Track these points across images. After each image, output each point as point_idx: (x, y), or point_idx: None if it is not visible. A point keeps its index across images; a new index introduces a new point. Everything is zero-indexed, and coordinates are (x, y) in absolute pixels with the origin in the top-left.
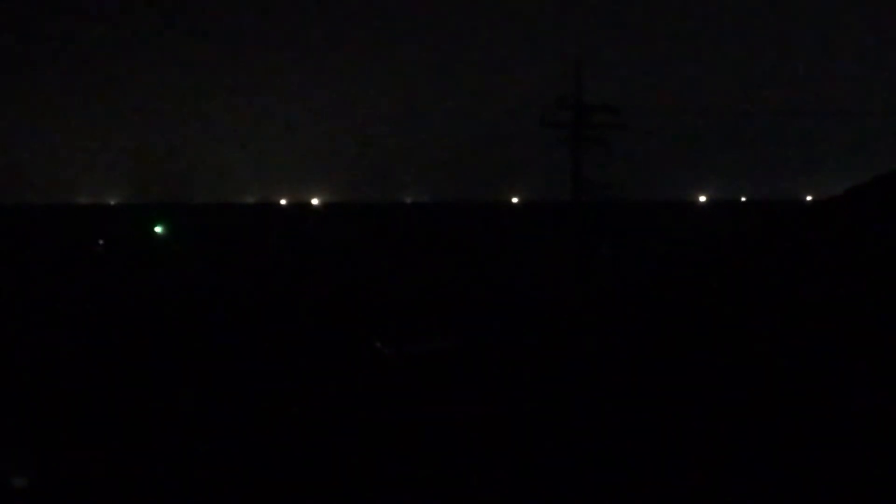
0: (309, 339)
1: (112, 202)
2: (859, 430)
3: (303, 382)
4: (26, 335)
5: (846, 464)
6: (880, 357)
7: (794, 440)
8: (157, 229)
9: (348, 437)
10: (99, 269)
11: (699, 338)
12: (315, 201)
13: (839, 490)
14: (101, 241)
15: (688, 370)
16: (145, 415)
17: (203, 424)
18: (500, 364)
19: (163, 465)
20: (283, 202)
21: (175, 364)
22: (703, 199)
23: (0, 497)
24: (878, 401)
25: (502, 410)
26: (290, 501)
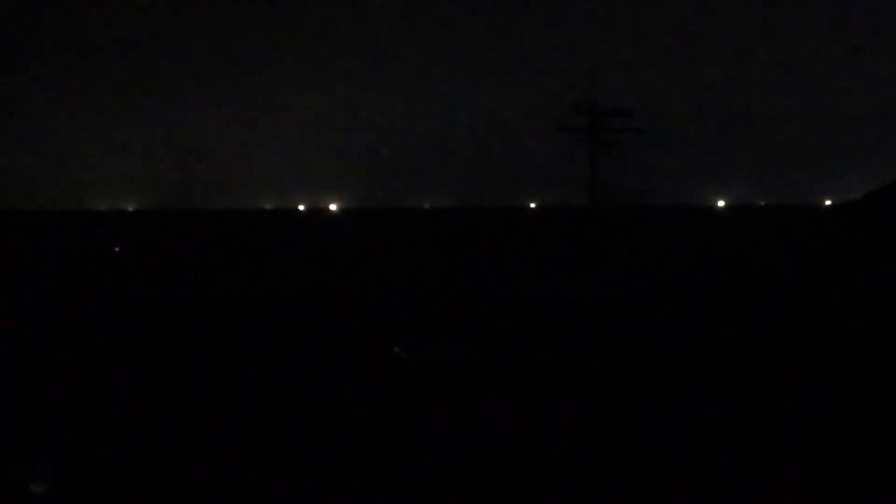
0: (327, 344)
1: (130, 208)
2: (875, 430)
3: (320, 387)
4: (42, 340)
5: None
6: None
7: (810, 442)
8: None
9: (366, 441)
10: (115, 275)
11: (718, 341)
12: (333, 206)
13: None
14: (116, 249)
15: (707, 374)
16: (162, 420)
17: (220, 429)
18: (520, 370)
19: (181, 471)
20: (301, 207)
21: (194, 369)
22: (721, 203)
23: (19, 503)
24: (890, 404)
25: (522, 417)
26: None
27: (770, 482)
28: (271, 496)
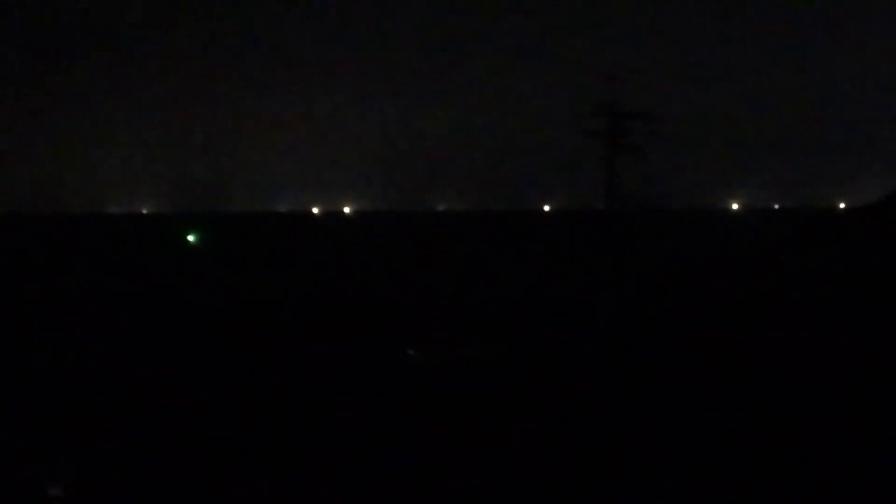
0: (343, 345)
1: (145, 211)
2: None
3: (336, 387)
4: (59, 344)
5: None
6: None
7: (824, 442)
8: (190, 238)
9: (379, 441)
10: (133, 277)
11: (735, 342)
12: (347, 209)
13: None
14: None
15: (725, 375)
16: (177, 423)
17: (235, 431)
18: (532, 371)
19: (195, 472)
20: (315, 210)
21: (209, 370)
22: (736, 206)
23: None
24: None
25: (532, 416)
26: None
27: (777, 483)
28: (285, 496)
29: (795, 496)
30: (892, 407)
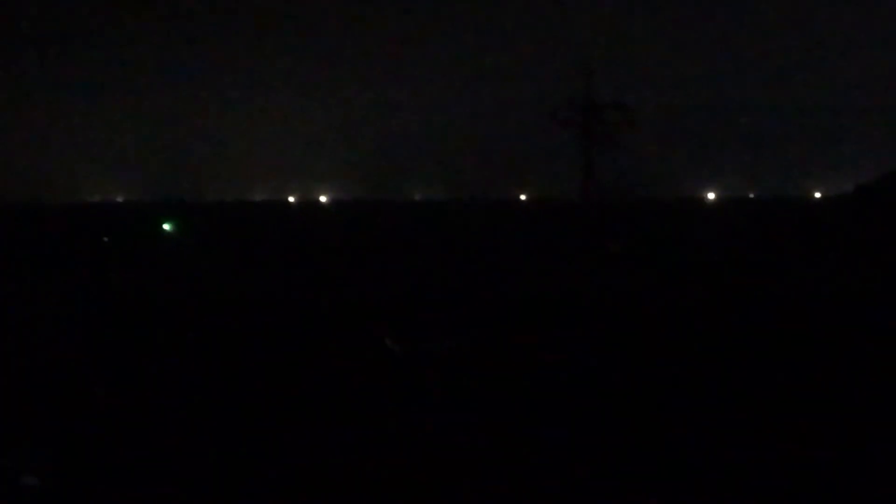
0: (318, 336)
1: (120, 199)
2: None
3: (311, 380)
4: (33, 334)
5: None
6: (889, 353)
7: (804, 442)
8: (166, 226)
9: (356, 436)
10: (105, 267)
11: (709, 336)
12: (324, 198)
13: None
14: (105, 238)
15: (699, 370)
16: (152, 414)
17: (213, 425)
18: (513, 364)
19: (169, 465)
20: (291, 199)
21: (181, 363)
22: (711, 196)
23: (11, 496)
24: (886, 398)
25: (515, 412)
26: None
27: (769, 482)
28: (262, 494)
29: (789, 495)
30: (876, 399)
